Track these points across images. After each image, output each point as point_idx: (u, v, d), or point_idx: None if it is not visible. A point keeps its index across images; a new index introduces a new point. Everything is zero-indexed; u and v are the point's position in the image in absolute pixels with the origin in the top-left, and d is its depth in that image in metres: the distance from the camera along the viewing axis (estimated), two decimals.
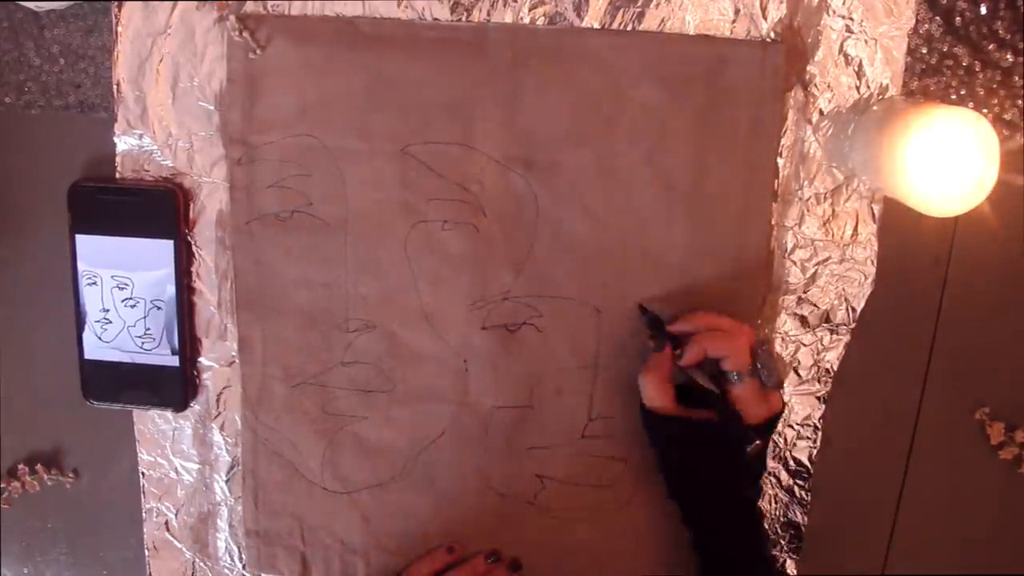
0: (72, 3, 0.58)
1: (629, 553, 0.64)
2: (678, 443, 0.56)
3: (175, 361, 0.63)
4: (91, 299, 0.62)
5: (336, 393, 0.62)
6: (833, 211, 0.59)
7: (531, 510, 0.63)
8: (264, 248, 0.60)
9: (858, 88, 0.57)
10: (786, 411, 0.62)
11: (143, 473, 0.66)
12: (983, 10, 0.56)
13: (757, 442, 0.54)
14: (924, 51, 0.57)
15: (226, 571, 0.67)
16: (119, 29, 0.58)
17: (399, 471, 0.63)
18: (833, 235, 0.59)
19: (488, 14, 0.57)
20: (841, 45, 0.56)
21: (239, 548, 0.67)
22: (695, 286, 0.59)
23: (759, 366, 0.54)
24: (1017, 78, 0.57)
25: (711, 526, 0.57)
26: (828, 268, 0.60)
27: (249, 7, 0.57)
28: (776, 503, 0.65)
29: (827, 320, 0.61)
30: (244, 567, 0.67)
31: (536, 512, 0.63)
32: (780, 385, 0.55)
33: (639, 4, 0.56)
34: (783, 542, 0.65)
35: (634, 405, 0.61)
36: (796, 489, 0.64)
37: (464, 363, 0.61)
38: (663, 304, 0.59)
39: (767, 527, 0.65)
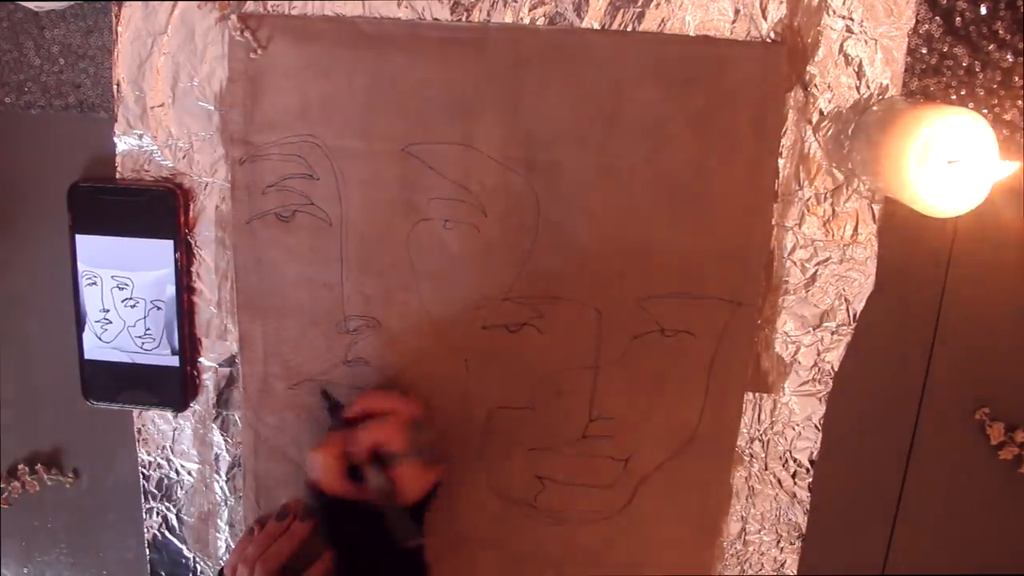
0: (72, 3, 0.58)
1: (629, 554, 0.64)
2: (340, 522, 0.57)
3: (175, 361, 0.63)
4: (91, 299, 0.62)
5: (338, 392, 0.62)
6: (833, 211, 0.59)
7: (531, 511, 0.63)
8: (265, 247, 0.60)
9: (858, 88, 0.57)
10: (780, 410, 0.62)
11: (143, 473, 0.66)
12: (983, 10, 0.56)
13: (419, 539, 0.55)
14: (924, 51, 0.57)
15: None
16: (119, 29, 0.58)
17: None
18: (833, 235, 0.59)
19: (488, 14, 0.57)
20: (841, 45, 0.56)
21: None
22: (695, 286, 0.59)
23: (416, 447, 0.56)
24: (1017, 78, 0.57)
25: None
26: (828, 268, 0.60)
27: (250, 7, 0.57)
28: (776, 504, 0.65)
29: (827, 320, 0.61)
30: None
31: (536, 513, 0.63)
32: (434, 460, 0.57)
33: (639, 4, 0.56)
34: (783, 542, 0.65)
35: (635, 405, 0.61)
36: (796, 489, 0.64)
37: (464, 363, 0.61)
38: (665, 301, 0.59)
39: (767, 528, 0.65)
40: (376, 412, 0.57)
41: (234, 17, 0.56)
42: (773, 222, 0.59)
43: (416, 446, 0.56)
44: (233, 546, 0.67)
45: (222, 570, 0.60)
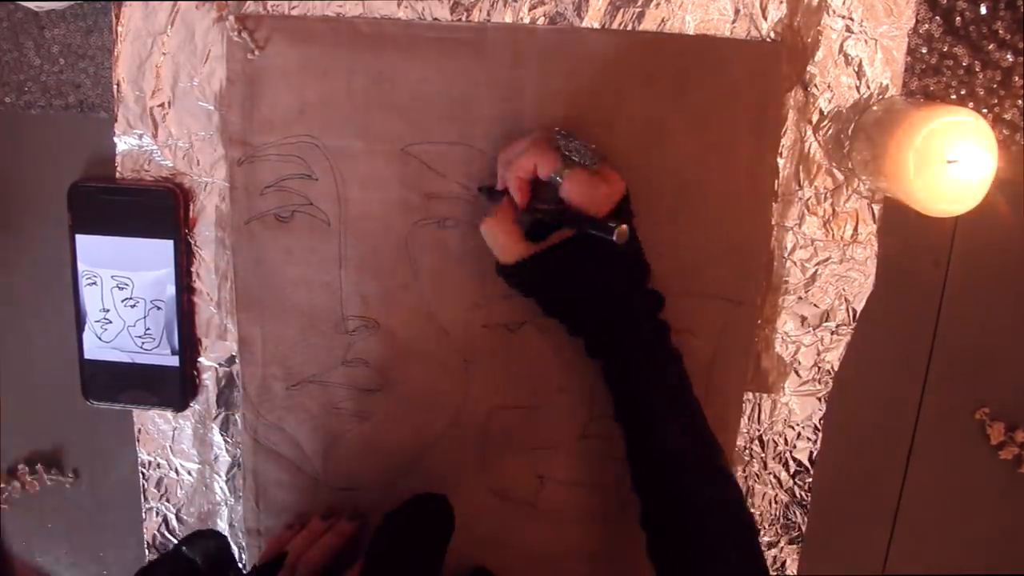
0: (72, 3, 0.58)
1: (629, 553, 0.64)
2: (543, 279, 0.53)
3: (175, 361, 0.63)
4: (91, 299, 0.62)
5: (337, 392, 0.62)
6: (833, 211, 0.59)
7: (531, 510, 0.63)
8: (264, 248, 0.60)
9: (858, 88, 0.57)
10: (780, 410, 0.62)
11: (143, 473, 0.66)
12: (983, 10, 0.56)
13: (623, 226, 0.48)
14: (924, 51, 0.57)
15: None
16: (119, 29, 0.58)
17: (400, 469, 0.63)
18: (833, 235, 0.59)
19: (488, 14, 0.57)
20: (841, 45, 0.56)
21: (239, 548, 0.67)
22: (695, 285, 0.59)
23: (567, 154, 0.51)
24: (1017, 78, 0.57)
25: (615, 356, 0.53)
26: (828, 268, 0.60)
27: (249, 7, 0.57)
28: (776, 504, 0.65)
29: (827, 320, 0.61)
30: (244, 567, 0.67)
31: (536, 512, 0.63)
32: (599, 157, 0.51)
33: (639, 4, 0.56)
34: (783, 542, 0.65)
35: None
36: (796, 489, 0.64)
37: (465, 362, 0.61)
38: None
39: (760, 529, 0.65)
40: (517, 154, 0.52)
41: (232, 18, 0.56)
42: (773, 222, 0.59)
43: (569, 149, 0.51)
44: (234, 546, 0.67)
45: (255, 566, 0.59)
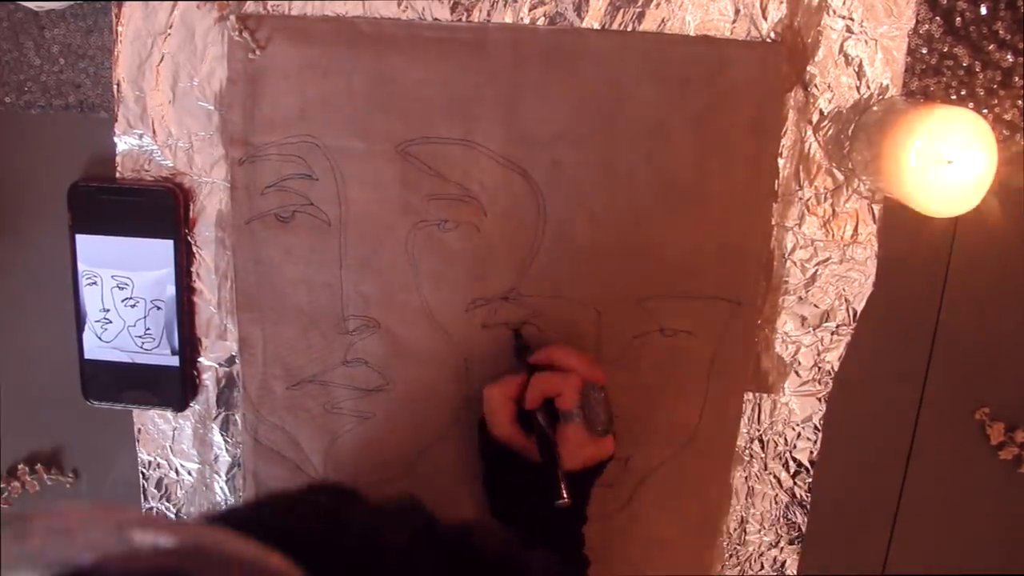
0: (72, 3, 0.58)
1: (629, 553, 0.64)
2: (499, 469, 0.57)
3: (175, 361, 0.63)
4: (91, 299, 0.62)
5: (337, 392, 0.62)
6: (833, 211, 0.59)
7: None
8: (265, 248, 0.60)
9: (858, 88, 0.57)
10: (780, 410, 0.62)
11: (143, 473, 0.66)
12: (983, 10, 0.56)
13: (564, 499, 0.52)
14: (924, 51, 0.57)
15: None
16: (119, 29, 0.58)
17: (401, 470, 0.63)
18: (833, 235, 0.59)
19: (488, 14, 0.57)
20: (841, 45, 0.56)
21: None
22: (695, 286, 0.59)
23: (586, 411, 0.54)
24: (1017, 78, 0.57)
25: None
26: (828, 268, 0.60)
27: (249, 7, 0.57)
28: (776, 504, 0.65)
29: (827, 320, 0.61)
30: None
31: None
32: (606, 433, 0.55)
33: (639, 4, 0.56)
34: (783, 542, 0.65)
35: (635, 404, 0.61)
36: (796, 489, 0.64)
37: (465, 362, 0.61)
38: (665, 300, 0.59)
39: (767, 528, 0.65)
40: (560, 366, 0.55)
41: (233, 17, 0.56)
42: (773, 222, 0.59)
43: (589, 411, 0.54)
44: None
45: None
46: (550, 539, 0.54)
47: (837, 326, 0.61)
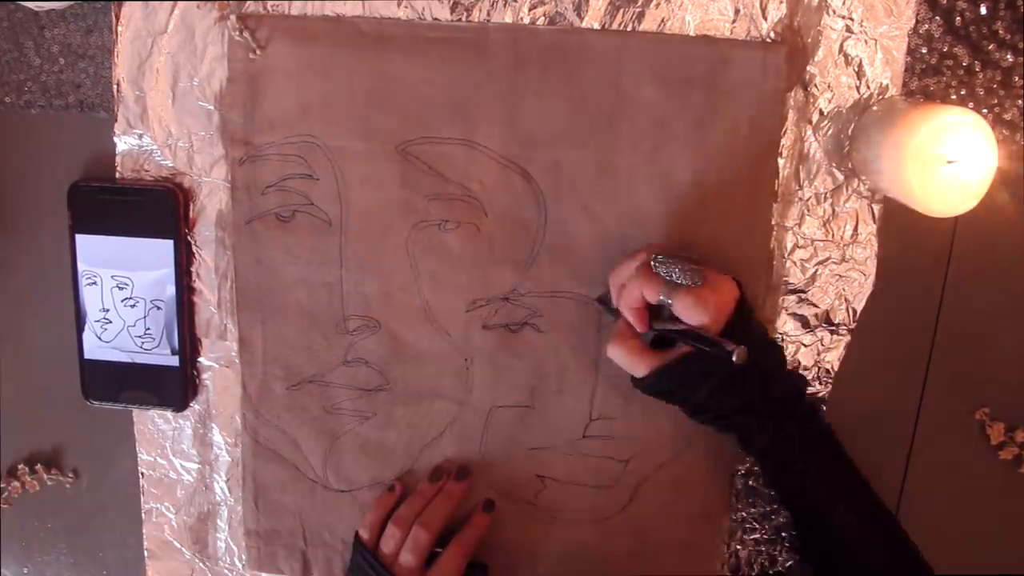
0: (72, 3, 0.58)
1: (629, 554, 0.64)
2: (676, 389, 0.55)
3: (175, 361, 0.63)
4: (91, 299, 0.62)
5: (338, 392, 0.62)
6: (833, 211, 0.59)
7: (532, 510, 0.63)
8: (265, 248, 0.60)
9: (858, 88, 0.57)
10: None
11: (143, 473, 0.66)
12: (983, 10, 0.56)
13: (741, 348, 0.49)
14: (924, 51, 0.57)
15: (226, 571, 0.67)
16: (119, 29, 0.58)
17: (401, 470, 0.63)
18: (833, 235, 0.59)
19: (488, 14, 0.57)
20: (841, 45, 0.56)
21: (239, 548, 0.67)
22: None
23: (668, 278, 0.52)
24: (1017, 78, 0.57)
25: (769, 452, 0.55)
26: (828, 268, 0.60)
27: (249, 7, 0.57)
28: (776, 503, 0.65)
29: (827, 320, 0.61)
30: (244, 567, 0.67)
31: (537, 512, 0.63)
32: (700, 275, 0.52)
33: (639, 4, 0.56)
34: (784, 542, 0.65)
35: (635, 405, 0.61)
36: None
37: (465, 362, 0.61)
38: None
39: (767, 528, 0.65)
40: (628, 279, 0.54)
41: (233, 17, 0.56)
42: (773, 222, 0.59)
43: (673, 274, 0.52)
44: (233, 546, 0.67)
45: (357, 533, 0.61)
46: (776, 411, 0.53)
47: (837, 326, 0.61)
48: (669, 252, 0.54)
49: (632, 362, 0.55)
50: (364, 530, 0.61)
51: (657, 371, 0.54)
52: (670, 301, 0.52)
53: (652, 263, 0.53)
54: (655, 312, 0.55)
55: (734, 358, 0.49)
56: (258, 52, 0.57)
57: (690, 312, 0.51)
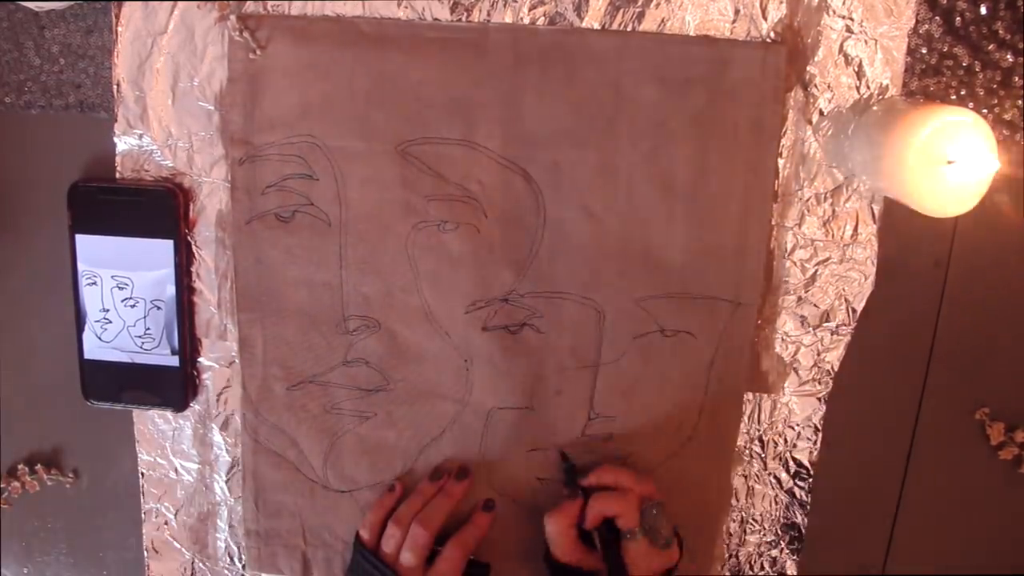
0: (72, 3, 0.58)
1: None
2: None
3: (175, 361, 0.63)
4: (91, 299, 0.62)
5: (337, 393, 0.62)
6: (833, 211, 0.59)
7: (533, 510, 0.63)
8: (265, 248, 0.60)
9: (858, 88, 0.57)
10: (780, 410, 0.62)
11: (143, 473, 0.66)
12: (983, 10, 0.56)
13: None
14: (924, 51, 0.57)
15: (226, 571, 0.67)
16: (119, 29, 0.58)
17: (400, 470, 0.63)
18: (833, 235, 0.59)
19: (488, 14, 0.57)
20: (841, 45, 0.56)
21: (239, 548, 0.67)
22: (695, 286, 0.59)
23: (646, 526, 0.57)
24: (1017, 78, 0.57)
25: None
26: (828, 268, 0.60)
27: (249, 7, 0.57)
28: (776, 504, 0.65)
29: (827, 320, 0.61)
30: (244, 568, 0.67)
31: (537, 512, 0.63)
32: (669, 545, 0.57)
33: (639, 4, 0.56)
34: (783, 543, 0.65)
35: (634, 405, 0.61)
36: (796, 490, 0.64)
37: (465, 363, 0.61)
38: (665, 301, 0.59)
39: (767, 528, 0.65)
40: (611, 486, 0.58)
41: (233, 17, 0.56)
42: (773, 222, 0.59)
43: (650, 527, 0.57)
44: (233, 546, 0.67)
45: (358, 533, 0.61)
46: None
47: (837, 326, 0.61)
48: (660, 507, 0.58)
49: (561, 544, 0.58)
50: (364, 530, 0.61)
51: (572, 569, 0.57)
52: (630, 538, 0.56)
53: (646, 507, 0.57)
54: (603, 524, 0.58)
55: None
56: (258, 52, 0.57)
57: (636, 558, 0.56)
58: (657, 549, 0.57)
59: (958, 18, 0.56)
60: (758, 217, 0.59)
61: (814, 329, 0.61)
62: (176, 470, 0.66)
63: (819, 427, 0.63)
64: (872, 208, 0.59)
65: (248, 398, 0.63)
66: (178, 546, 0.68)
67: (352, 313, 0.61)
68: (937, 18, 0.56)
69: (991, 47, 0.56)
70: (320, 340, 0.62)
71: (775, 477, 0.64)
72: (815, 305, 0.61)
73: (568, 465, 0.61)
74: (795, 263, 0.60)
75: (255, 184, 0.59)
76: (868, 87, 0.57)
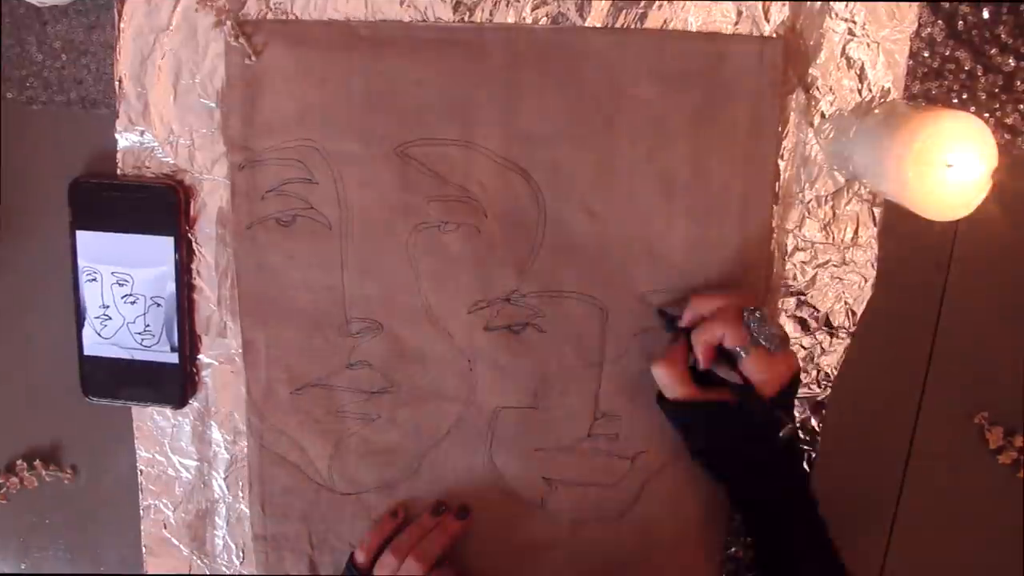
0: None
1: (636, 552, 0.64)
2: (699, 428, 0.57)
3: (174, 358, 0.63)
4: (91, 295, 0.62)
5: (341, 395, 0.62)
6: (834, 214, 0.59)
7: (537, 510, 0.63)
8: (266, 252, 0.60)
9: (860, 91, 0.57)
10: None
11: (141, 470, 0.66)
12: (985, 14, 0.56)
13: (790, 425, 0.53)
14: (926, 55, 0.57)
15: (223, 569, 0.67)
16: (121, 25, 0.58)
17: (406, 472, 0.63)
18: (834, 238, 0.59)
19: (491, 14, 0.57)
20: (843, 48, 0.56)
21: (236, 546, 0.67)
22: (696, 284, 0.59)
23: (755, 335, 0.53)
24: (1019, 82, 0.57)
25: (756, 507, 0.56)
26: (828, 271, 0.60)
27: (250, 8, 0.57)
28: None
29: (827, 323, 0.61)
30: (241, 564, 0.67)
31: (542, 512, 0.63)
32: (783, 344, 0.54)
33: (641, 5, 0.56)
34: None
35: (640, 403, 0.61)
36: None
37: (468, 363, 0.61)
38: (667, 297, 0.59)
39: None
40: (708, 316, 0.55)
41: (229, 23, 0.56)
42: (773, 224, 0.59)
43: (761, 334, 0.53)
44: (231, 543, 0.67)
45: (352, 554, 0.61)
46: (778, 480, 0.55)
47: (837, 329, 0.61)
48: (761, 311, 0.55)
49: (673, 385, 0.56)
50: (361, 553, 0.61)
51: (692, 403, 0.55)
52: (744, 355, 0.53)
53: (746, 315, 0.54)
54: (717, 355, 0.56)
55: (781, 433, 0.53)
56: (253, 59, 0.57)
57: (759, 371, 0.53)
58: (775, 356, 0.53)
59: (960, 22, 0.56)
60: (758, 213, 0.58)
61: (814, 332, 0.61)
62: (175, 467, 0.66)
63: (818, 430, 0.63)
64: (873, 211, 0.59)
65: (253, 402, 0.63)
66: (176, 543, 0.68)
67: (354, 315, 0.61)
68: (939, 22, 0.56)
69: (993, 51, 0.56)
70: (323, 343, 0.62)
71: None
72: (815, 308, 0.61)
73: (666, 316, 0.59)
74: (795, 265, 0.60)
75: (255, 189, 0.59)
76: (870, 90, 0.57)
